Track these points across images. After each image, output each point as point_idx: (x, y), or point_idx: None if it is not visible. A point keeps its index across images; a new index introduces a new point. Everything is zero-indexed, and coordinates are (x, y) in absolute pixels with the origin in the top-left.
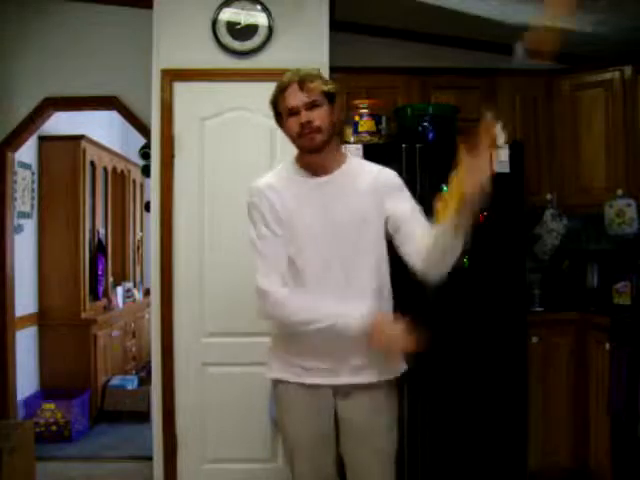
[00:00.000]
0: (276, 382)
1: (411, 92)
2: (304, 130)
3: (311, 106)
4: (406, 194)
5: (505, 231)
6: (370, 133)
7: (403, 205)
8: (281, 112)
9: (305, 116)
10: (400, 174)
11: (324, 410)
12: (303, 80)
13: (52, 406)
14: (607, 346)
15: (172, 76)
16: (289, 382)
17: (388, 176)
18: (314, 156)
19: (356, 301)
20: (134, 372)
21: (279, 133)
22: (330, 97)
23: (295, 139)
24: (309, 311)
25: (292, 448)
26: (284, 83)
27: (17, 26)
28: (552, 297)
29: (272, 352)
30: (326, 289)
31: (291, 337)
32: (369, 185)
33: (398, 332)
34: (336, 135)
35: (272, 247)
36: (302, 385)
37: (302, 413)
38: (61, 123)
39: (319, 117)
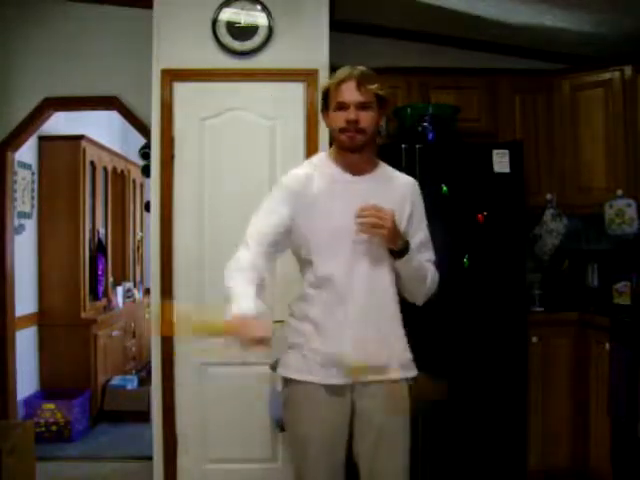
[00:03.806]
0: (291, 381)
1: (411, 92)
2: (348, 127)
3: (362, 106)
4: (425, 221)
5: (505, 231)
6: None
7: (418, 235)
8: (329, 103)
9: (354, 114)
10: None
11: (342, 407)
12: (362, 79)
13: (52, 406)
14: (607, 346)
15: (172, 76)
16: (311, 382)
17: (419, 192)
18: (351, 155)
19: (378, 298)
20: (134, 372)
21: (279, 133)
22: (382, 102)
23: (336, 133)
24: (230, 282)
25: (304, 448)
26: (343, 76)
27: (17, 26)
28: (552, 297)
29: (293, 352)
30: (351, 284)
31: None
32: (402, 195)
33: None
34: (374, 139)
35: (272, 222)
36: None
37: (320, 410)
38: (61, 123)
39: (366, 119)
